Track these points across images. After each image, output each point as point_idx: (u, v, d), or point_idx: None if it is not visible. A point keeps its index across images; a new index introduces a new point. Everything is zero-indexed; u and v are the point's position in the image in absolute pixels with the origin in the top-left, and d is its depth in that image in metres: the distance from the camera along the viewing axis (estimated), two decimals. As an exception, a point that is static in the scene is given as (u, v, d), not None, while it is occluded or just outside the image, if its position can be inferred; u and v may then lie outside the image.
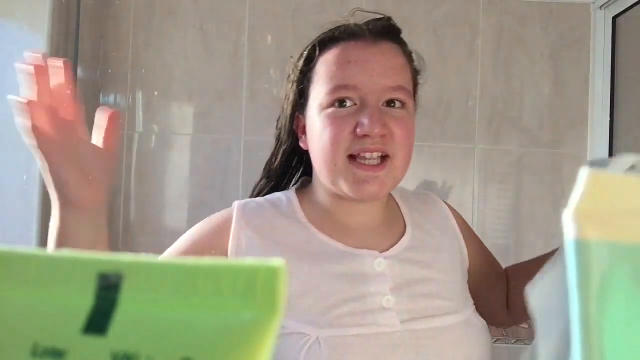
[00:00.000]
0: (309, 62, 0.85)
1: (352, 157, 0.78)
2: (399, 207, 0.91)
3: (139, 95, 1.65)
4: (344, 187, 0.80)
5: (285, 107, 0.89)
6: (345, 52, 0.81)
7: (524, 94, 1.66)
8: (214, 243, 0.82)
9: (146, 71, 1.64)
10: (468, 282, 0.89)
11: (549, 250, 0.82)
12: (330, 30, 0.84)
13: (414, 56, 0.88)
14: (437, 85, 1.64)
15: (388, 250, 0.83)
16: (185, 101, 1.66)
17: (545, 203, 1.64)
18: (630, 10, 1.51)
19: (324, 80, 0.81)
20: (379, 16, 0.85)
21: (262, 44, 1.65)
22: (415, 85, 0.88)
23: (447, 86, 1.66)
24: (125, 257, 0.22)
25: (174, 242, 0.87)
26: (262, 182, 0.94)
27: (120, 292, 0.22)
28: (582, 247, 0.23)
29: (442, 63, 1.66)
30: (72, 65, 1.43)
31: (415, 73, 0.87)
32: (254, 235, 0.81)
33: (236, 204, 0.86)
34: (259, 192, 0.93)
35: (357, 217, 0.85)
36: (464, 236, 0.91)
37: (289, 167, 0.93)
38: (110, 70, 1.64)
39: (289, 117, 0.88)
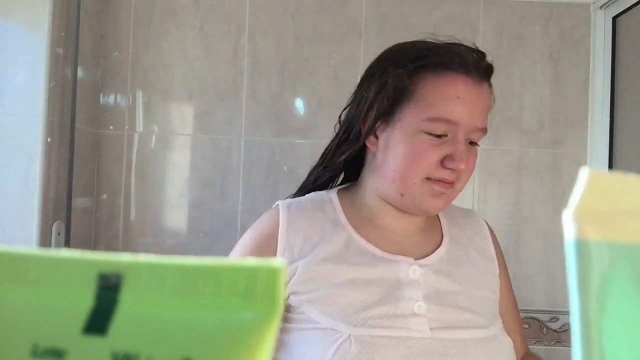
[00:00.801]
0: (410, 77, 0.83)
1: (427, 178, 0.83)
2: (438, 218, 0.94)
3: (139, 95, 1.65)
4: (416, 199, 0.84)
5: (364, 107, 0.87)
6: (455, 85, 0.82)
7: (524, 94, 1.66)
8: (264, 253, 0.86)
9: (146, 71, 1.64)
10: None
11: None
12: (440, 54, 0.84)
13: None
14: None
15: (423, 258, 0.86)
16: (185, 101, 1.66)
17: (545, 203, 1.64)
18: (630, 10, 1.51)
19: (427, 104, 0.82)
20: (474, 47, 0.87)
21: (262, 44, 1.65)
22: None
23: (447, 86, 1.66)
24: (125, 257, 0.22)
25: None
26: (320, 170, 0.96)
27: (120, 292, 0.22)
28: (582, 247, 0.23)
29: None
30: (73, 65, 1.43)
31: None
32: (297, 237, 0.86)
33: (280, 206, 0.89)
34: (315, 179, 0.96)
35: (398, 222, 0.88)
36: (498, 262, 0.93)
37: (349, 164, 0.95)
38: (110, 70, 1.64)
39: (372, 119, 0.86)
